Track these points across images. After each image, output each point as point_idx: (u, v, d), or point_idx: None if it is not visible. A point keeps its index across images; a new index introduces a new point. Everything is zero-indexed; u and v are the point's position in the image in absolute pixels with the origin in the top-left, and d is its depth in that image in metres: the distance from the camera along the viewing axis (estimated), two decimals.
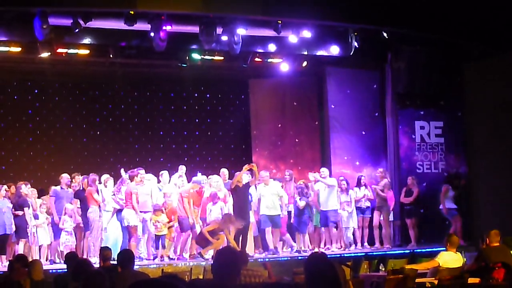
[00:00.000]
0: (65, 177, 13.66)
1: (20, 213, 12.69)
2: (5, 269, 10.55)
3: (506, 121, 15.53)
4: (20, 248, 12.68)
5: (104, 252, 9.05)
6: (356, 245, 14.79)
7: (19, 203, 12.78)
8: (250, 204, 13.80)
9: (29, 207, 12.90)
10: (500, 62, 15.70)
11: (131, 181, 13.18)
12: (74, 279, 6.96)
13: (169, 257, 13.28)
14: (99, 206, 13.17)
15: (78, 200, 13.31)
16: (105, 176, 13.74)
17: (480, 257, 9.10)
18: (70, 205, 13.36)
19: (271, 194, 13.83)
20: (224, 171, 14.52)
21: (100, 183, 13.46)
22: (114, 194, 13.29)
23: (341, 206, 14.61)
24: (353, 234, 14.92)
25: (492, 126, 15.90)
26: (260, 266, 11.32)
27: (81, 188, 13.46)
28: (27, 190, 13.02)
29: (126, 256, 7.57)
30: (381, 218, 14.87)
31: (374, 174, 15.62)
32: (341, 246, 14.69)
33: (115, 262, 8.09)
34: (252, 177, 13.67)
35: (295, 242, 14.37)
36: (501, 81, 15.64)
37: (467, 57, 16.27)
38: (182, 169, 14.40)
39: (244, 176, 13.57)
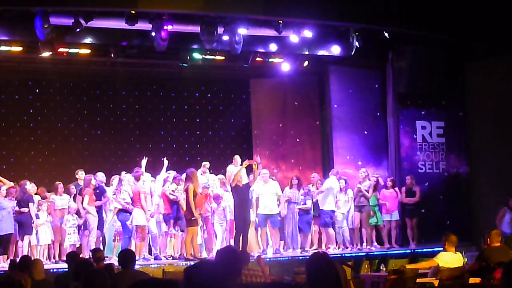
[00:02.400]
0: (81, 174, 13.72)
1: (25, 210, 12.72)
2: (6, 269, 10.59)
3: (508, 121, 15.53)
4: (24, 245, 12.69)
5: (97, 254, 9.07)
6: (353, 245, 14.79)
7: (24, 200, 12.81)
8: (251, 203, 13.77)
9: (34, 204, 12.93)
10: (502, 62, 15.70)
11: (136, 181, 13.20)
12: (75, 279, 6.96)
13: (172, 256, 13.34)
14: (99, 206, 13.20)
15: (82, 198, 13.31)
16: (101, 175, 13.73)
17: (481, 257, 9.09)
18: (74, 203, 13.37)
19: (269, 194, 13.79)
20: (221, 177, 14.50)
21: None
22: (114, 194, 13.26)
23: (337, 205, 14.64)
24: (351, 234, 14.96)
25: (494, 126, 15.90)
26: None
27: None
28: (31, 187, 13.05)
29: (127, 255, 7.56)
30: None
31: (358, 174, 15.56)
32: (337, 246, 14.71)
33: (110, 262, 8.09)
34: (252, 176, 13.62)
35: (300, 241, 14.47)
36: (502, 81, 15.64)
37: (469, 56, 16.27)
38: (206, 165, 14.42)
39: (244, 176, 13.55)
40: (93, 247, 12.98)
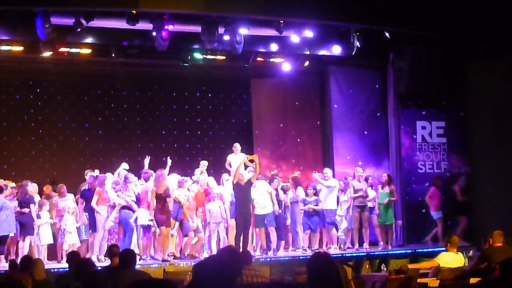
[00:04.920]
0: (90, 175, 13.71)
1: (26, 210, 12.73)
2: (7, 269, 10.59)
3: (508, 121, 15.53)
4: (25, 245, 12.71)
5: (113, 249, 9.17)
6: (353, 246, 14.78)
7: (25, 200, 12.83)
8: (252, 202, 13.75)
9: (35, 204, 12.95)
10: (502, 62, 15.69)
11: (146, 182, 13.22)
12: (76, 279, 6.96)
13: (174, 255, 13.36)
14: (108, 206, 13.21)
15: (84, 200, 13.32)
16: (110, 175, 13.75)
17: (483, 257, 9.09)
18: (74, 204, 13.40)
19: (260, 195, 13.74)
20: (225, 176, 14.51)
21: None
22: (121, 191, 13.23)
23: (338, 206, 14.66)
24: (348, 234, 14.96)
25: (494, 126, 15.90)
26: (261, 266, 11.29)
27: (87, 188, 13.47)
28: (32, 187, 13.06)
29: (128, 255, 7.56)
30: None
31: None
32: (337, 246, 14.73)
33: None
34: (254, 172, 13.59)
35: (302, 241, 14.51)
36: (503, 81, 15.64)
37: (470, 57, 16.26)
38: (204, 164, 14.42)
39: (245, 174, 13.53)
40: (97, 247, 13.03)
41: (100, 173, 13.83)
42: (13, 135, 16.25)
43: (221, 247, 13.12)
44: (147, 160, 13.78)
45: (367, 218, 14.83)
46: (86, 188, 13.48)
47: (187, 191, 13.43)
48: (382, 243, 14.85)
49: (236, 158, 14.63)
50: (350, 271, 11.14)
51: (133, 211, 13.00)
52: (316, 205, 14.33)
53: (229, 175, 14.34)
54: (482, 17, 14.52)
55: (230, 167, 14.70)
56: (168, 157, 13.84)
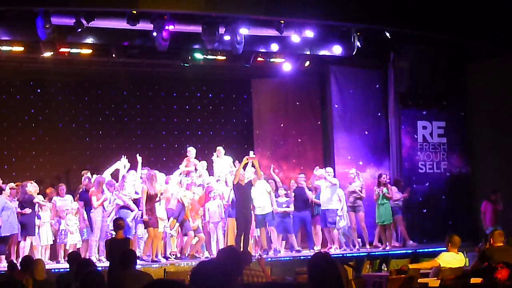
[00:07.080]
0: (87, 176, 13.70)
1: (28, 210, 12.72)
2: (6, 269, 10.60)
3: (509, 121, 15.53)
4: (26, 246, 12.71)
5: (119, 221, 9.60)
6: (354, 246, 14.76)
7: (25, 201, 12.82)
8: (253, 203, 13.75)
9: (36, 204, 12.95)
10: (503, 62, 15.71)
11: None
12: (76, 279, 6.97)
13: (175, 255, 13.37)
14: (103, 206, 13.20)
15: (83, 202, 13.33)
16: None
17: (483, 257, 9.08)
18: (75, 204, 13.40)
19: (259, 194, 13.76)
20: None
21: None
22: (118, 191, 13.23)
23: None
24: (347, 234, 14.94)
25: (495, 126, 15.90)
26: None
27: (84, 190, 13.46)
28: (32, 188, 13.06)
29: (129, 256, 7.55)
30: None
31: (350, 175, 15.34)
32: (338, 246, 14.72)
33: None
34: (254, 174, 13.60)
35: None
36: (504, 81, 15.65)
37: (470, 57, 16.27)
38: (204, 165, 14.44)
39: (246, 174, 13.54)
40: (95, 247, 13.03)
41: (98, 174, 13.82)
42: (13, 135, 16.23)
43: (220, 247, 13.13)
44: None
45: (363, 218, 14.76)
46: (83, 190, 13.49)
47: (192, 193, 13.46)
48: (381, 243, 14.84)
49: (220, 161, 14.69)
50: (351, 271, 11.15)
51: (131, 210, 12.99)
52: (288, 206, 14.31)
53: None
54: (483, 16, 14.51)
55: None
56: (137, 154, 13.76)
